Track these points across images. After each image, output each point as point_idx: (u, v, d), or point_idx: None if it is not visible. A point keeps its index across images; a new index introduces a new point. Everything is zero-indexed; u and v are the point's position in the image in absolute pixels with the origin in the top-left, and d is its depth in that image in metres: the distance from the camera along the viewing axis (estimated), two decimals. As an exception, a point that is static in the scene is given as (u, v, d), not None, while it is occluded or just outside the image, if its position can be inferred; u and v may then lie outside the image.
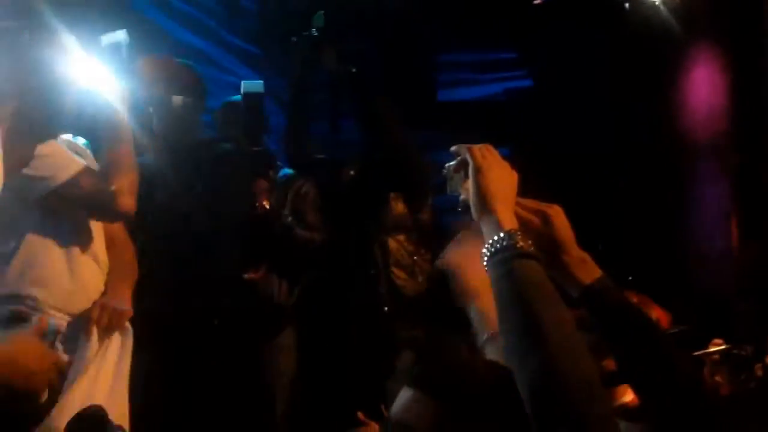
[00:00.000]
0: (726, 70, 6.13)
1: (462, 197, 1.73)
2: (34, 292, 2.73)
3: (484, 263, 1.57)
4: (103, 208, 2.83)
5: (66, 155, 2.80)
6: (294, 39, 4.26)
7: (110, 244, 3.00)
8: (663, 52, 6.33)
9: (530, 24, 6.69)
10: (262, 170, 4.36)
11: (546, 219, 1.72)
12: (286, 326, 4.30)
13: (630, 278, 4.00)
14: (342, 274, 4.30)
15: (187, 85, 3.87)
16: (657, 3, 6.05)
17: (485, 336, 1.85)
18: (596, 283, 1.70)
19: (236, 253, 4.06)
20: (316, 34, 4.27)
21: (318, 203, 4.37)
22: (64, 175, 2.73)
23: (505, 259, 1.52)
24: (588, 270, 1.72)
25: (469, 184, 1.67)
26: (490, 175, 1.65)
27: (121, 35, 3.02)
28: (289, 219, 4.31)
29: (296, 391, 4.27)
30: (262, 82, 4.31)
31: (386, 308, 4.27)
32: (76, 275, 2.83)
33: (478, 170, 1.65)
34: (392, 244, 4.36)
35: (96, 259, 2.92)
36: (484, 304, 1.83)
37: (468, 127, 6.38)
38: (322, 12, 4.33)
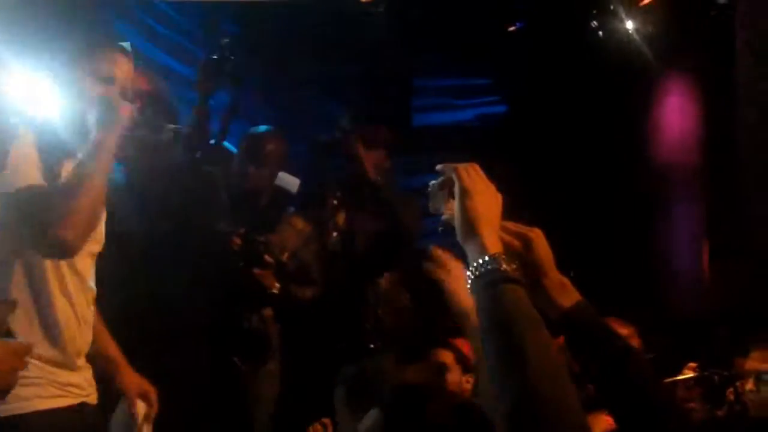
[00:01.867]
0: (698, 97, 6.21)
1: (444, 217, 1.73)
2: None
3: (468, 286, 1.57)
4: (37, 236, 2.46)
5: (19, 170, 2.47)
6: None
7: None
8: (636, 80, 6.40)
9: (505, 50, 6.74)
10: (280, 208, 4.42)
11: (527, 242, 1.73)
12: (272, 354, 4.30)
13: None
14: (330, 310, 4.34)
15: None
16: (631, 31, 6.12)
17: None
18: (575, 307, 1.71)
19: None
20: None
21: (319, 253, 4.39)
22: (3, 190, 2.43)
23: (489, 282, 1.52)
24: (567, 294, 1.73)
25: (454, 204, 1.66)
26: (477, 198, 1.63)
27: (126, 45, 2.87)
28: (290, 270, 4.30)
29: (277, 419, 4.27)
30: (299, 181, 4.38)
31: (372, 345, 4.31)
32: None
33: (465, 192, 1.64)
34: (383, 283, 4.42)
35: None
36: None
37: (443, 152, 6.42)
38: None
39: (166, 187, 4.01)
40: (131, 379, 3.00)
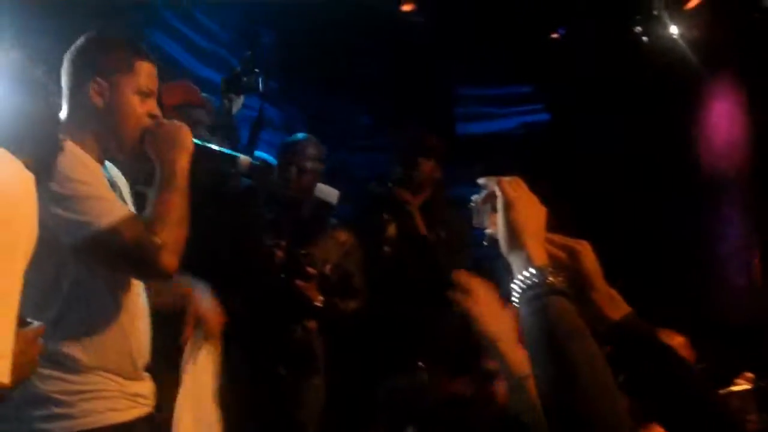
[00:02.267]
0: (745, 101, 6.10)
1: (489, 231, 1.72)
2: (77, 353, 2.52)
3: (514, 299, 1.55)
4: (143, 263, 2.49)
5: (108, 197, 2.51)
6: None
7: None
8: (682, 86, 6.31)
9: (547, 57, 6.68)
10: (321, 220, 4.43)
11: (574, 255, 1.72)
12: (316, 366, 4.28)
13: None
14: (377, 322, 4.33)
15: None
16: (676, 36, 6.03)
17: (514, 380, 1.82)
18: (624, 319, 1.69)
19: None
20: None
21: (363, 264, 4.38)
22: (104, 220, 2.42)
23: (536, 295, 1.51)
24: (616, 306, 1.71)
25: (498, 218, 1.64)
26: (521, 210, 1.62)
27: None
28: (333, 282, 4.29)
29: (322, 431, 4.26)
30: (338, 193, 4.42)
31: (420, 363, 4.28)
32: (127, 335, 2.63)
33: (508, 205, 1.62)
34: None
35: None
36: (503, 350, 1.81)
37: (486, 161, 6.38)
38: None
39: (207, 201, 4.00)
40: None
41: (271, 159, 4.82)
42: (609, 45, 6.32)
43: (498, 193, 1.65)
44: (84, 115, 2.63)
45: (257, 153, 4.55)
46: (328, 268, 4.24)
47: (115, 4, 5.04)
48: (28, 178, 1.52)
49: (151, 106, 2.68)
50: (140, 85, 2.65)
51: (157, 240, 2.45)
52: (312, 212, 4.40)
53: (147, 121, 2.66)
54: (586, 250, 1.73)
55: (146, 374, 2.78)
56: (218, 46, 6.43)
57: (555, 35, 6.48)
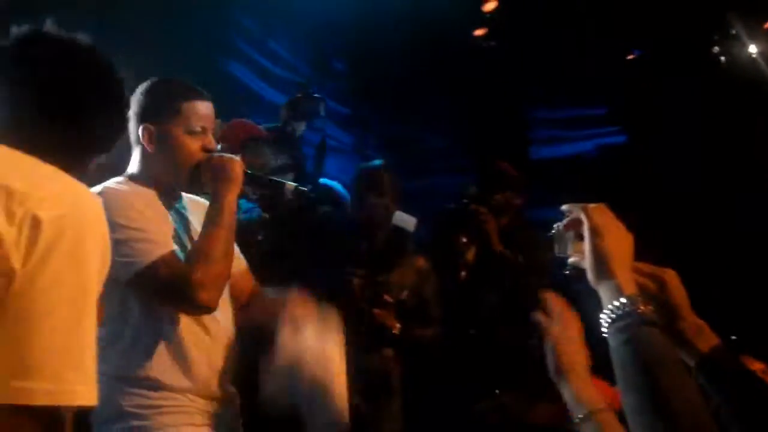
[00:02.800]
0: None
1: (572, 259, 1.67)
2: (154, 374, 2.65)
3: (604, 329, 1.50)
4: (179, 299, 2.60)
5: (151, 237, 2.61)
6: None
7: None
8: (761, 105, 6.17)
9: (622, 78, 6.60)
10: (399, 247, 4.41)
11: (661, 284, 1.67)
12: (393, 394, 4.25)
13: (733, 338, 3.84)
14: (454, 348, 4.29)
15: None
16: (755, 55, 5.91)
17: (580, 415, 1.76)
18: (713, 351, 1.64)
19: None
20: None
21: (439, 292, 4.35)
22: (145, 259, 2.55)
23: (627, 325, 1.46)
24: (704, 338, 1.66)
25: (582, 246, 1.60)
26: (609, 238, 1.57)
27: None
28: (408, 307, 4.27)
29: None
30: (416, 220, 4.33)
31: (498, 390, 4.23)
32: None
33: (596, 232, 1.58)
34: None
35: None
36: (575, 381, 1.76)
37: (561, 185, 6.30)
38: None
39: (286, 227, 4.03)
40: None
41: (336, 185, 4.84)
42: (686, 65, 6.23)
43: (584, 220, 1.61)
44: (141, 157, 2.78)
45: (323, 180, 4.56)
46: (405, 294, 4.22)
47: (189, 35, 5.11)
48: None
49: (206, 141, 2.76)
50: (190, 125, 2.74)
51: (195, 276, 2.53)
52: (389, 239, 4.38)
53: (201, 157, 2.74)
54: (672, 279, 1.68)
55: (230, 398, 2.86)
56: (292, 73, 6.49)
57: (631, 56, 6.40)
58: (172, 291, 2.58)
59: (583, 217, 1.61)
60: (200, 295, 2.54)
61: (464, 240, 4.48)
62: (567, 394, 1.75)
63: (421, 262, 4.32)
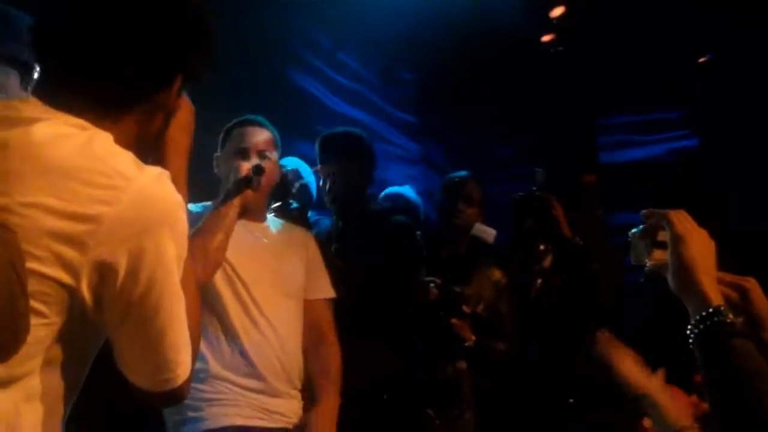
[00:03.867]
0: None
1: (648, 266, 1.64)
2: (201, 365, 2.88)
3: (691, 340, 1.47)
4: None
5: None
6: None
7: None
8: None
9: (694, 81, 6.49)
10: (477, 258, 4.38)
11: (744, 293, 1.64)
12: (465, 406, 4.22)
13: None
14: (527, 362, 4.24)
15: (363, 153, 3.99)
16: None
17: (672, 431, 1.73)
18: None
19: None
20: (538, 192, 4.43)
21: (516, 308, 4.31)
22: None
23: (717, 336, 1.43)
24: None
25: (659, 254, 1.58)
26: (693, 245, 1.54)
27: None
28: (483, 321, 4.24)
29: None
30: (495, 232, 4.37)
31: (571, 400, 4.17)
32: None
33: (680, 240, 1.55)
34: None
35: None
36: (660, 399, 1.73)
37: (632, 190, 6.21)
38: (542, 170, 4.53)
39: (364, 236, 4.04)
40: None
41: (407, 191, 4.84)
42: (758, 65, 6.09)
43: (666, 227, 1.58)
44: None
45: (393, 188, 4.62)
46: (480, 308, 4.19)
47: (258, 47, 5.16)
48: None
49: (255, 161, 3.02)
50: (236, 147, 3.08)
51: None
52: (468, 250, 4.36)
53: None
54: (754, 288, 1.65)
55: (291, 394, 3.07)
56: (360, 84, 6.51)
57: (703, 59, 6.28)
58: None
59: (665, 223, 1.58)
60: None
61: (542, 248, 4.42)
62: (654, 412, 1.73)
63: (497, 274, 4.29)
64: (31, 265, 1.21)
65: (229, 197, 2.86)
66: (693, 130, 7.09)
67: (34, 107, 1.32)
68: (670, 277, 1.55)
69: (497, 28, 5.78)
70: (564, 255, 4.33)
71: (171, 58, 1.45)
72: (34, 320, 1.23)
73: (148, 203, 1.30)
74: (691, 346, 1.48)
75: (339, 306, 3.43)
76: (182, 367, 1.42)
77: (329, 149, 4.00)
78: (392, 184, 5.11)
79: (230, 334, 2.94)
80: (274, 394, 2.99)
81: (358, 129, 4.31)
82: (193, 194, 1.70)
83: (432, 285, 4.09)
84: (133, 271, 1.29)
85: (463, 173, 4.52)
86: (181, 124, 1.61)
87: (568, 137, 6.52)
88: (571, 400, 4.13)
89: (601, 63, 6.30)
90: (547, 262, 4.41)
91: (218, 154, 3.16)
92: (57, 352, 1.32)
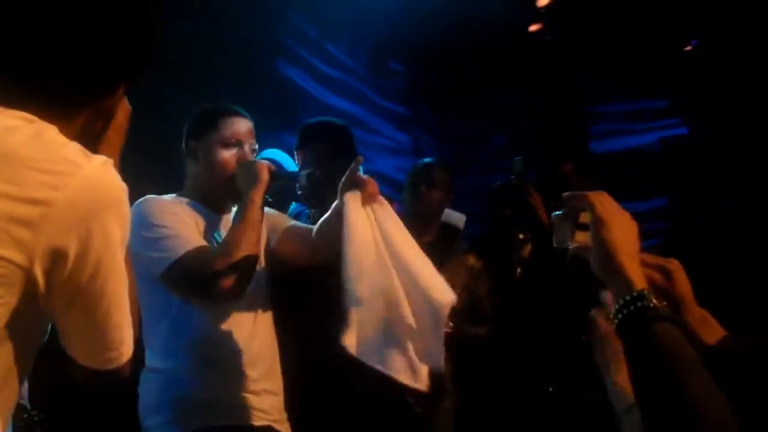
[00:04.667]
0: None
1: (570, 248, 1.63)
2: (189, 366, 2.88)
3: (615, 324, 1.45)
4: (204, 287, 2.76)
5: (184, 235, 2.80)
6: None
7: None
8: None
9: (682, 69, 6.49)
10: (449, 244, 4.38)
11: (667, 274, 1.63)
12: (445, 395, 4.22)
13: None
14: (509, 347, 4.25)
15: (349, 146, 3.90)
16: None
17: (621, 408, 1.72)
18: (721, 344, 1.61)
19: None
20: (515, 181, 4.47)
21: (491, 288, 4.32)
22: (175, 254, 2.74)
23: (640, 321, 1.40)
24: (710, 329, 1.63)
25: (580, 235, 1.56)
26: (615, 228, 1.51)
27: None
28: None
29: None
30: (465, 217, 4.39)
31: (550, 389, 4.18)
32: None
33: (601, 223, 1.51)
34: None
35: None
36: (617, 376, 1.72)
37: (621, 179, 6.21)
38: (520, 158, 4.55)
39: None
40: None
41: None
42: (749, 54, 6.09)
43: (588, 209, 1.55)
44: (188, 174, 3.07)
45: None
46: (456, 293, 4.20)
47: (244, 38, 5.14)
48: None
49: (241, 154, 2.98)
50: (223, 137, 2.98)
51: (217, 265, 2.71)
52: (439, 237, 4.36)
53: (234, 166, 2.97)
54: (678, 270, 1.64)
55: (272, 391, 3.02)
56: (348, 75, 6.49)
57: (688, 47, 6.28)
58: (198, 281, 2.74)
59: (586, 206, 1.55)
60: (222, 282, 2.70)
61: (521, 236, 4.43)
62: (609, 386, 1.72)
63: (472, 260, 4.30)
64: None
65: (258, 202, 2.84)
66: (683, 118, 7.10)
67: None
68: (592, 260, 1.52)
69: (486, 17, 5.78)
70: (542, 243, 4.33)
71: (120, 67, 1.53)
72: None
73: (96, 188, 1.36)
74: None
75: (311, 292, 3.41)
76: (126, 345, 1.50)
77: (306, 136, 3.93)
78: (383, 176, 5.09)
79: (218, 328, 2.90)
80: (260, 391, 2.96)
81: (342, 120, 4.28)
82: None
83: None
84: (82, 255, 1.35)
85: (428, 159, 4.55)
86: (118, 125, 1.70)
87: (557, 126, 6.52)
88: (551, 389, 4.15)
89: (589, 52, 6.30)
90: (526, 251, 4.42)
91: (193, 142, 3.04)
92: (8, 334, 1.36)
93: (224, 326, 2.91)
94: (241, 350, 2.92)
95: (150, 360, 2.89)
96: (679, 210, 6.14)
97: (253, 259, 2.79)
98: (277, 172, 2.99)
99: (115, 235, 1.38)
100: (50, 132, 1.38)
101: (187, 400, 2.84)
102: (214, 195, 3.00)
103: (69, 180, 1.32)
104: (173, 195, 3.00)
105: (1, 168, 1.30)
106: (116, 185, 1.40)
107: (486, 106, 6.86)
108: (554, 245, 1.68)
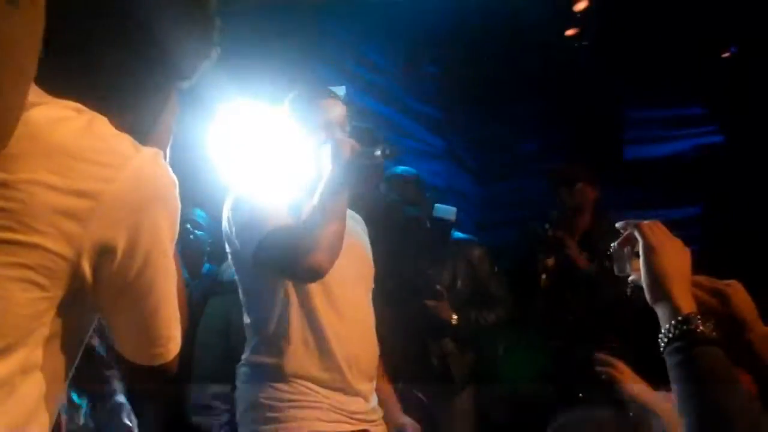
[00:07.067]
0: None
1: (631, 278, 1.66)
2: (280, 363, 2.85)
3: (662, 349, 1.48)
4: (293, 263, 2.72)
5: (274, 215, 2.79)
6: None
7: None
8: None
9: (721, 77, 6.43)
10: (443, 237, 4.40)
11: (724, 299, 1.64)
12: (456, 388, 4.24)
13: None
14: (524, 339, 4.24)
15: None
16: None
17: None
18: None
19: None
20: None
21: (495, 270, 4.33)
22: (264, 230, 2.74)
23: (684, 346, 1.44)
24: None
25: (641, 265, 1.58)
26: (664, 255, 1.55)
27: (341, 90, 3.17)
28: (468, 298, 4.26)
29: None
30: (455, 209, 4.39)
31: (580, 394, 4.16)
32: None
33: (651, 250, 1.56)
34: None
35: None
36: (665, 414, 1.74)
37: (656, 186, 6.17)
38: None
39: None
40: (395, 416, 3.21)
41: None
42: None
43: (638, 237, 1.59)
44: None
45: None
46: (459, 283, 4.23)
47: (282, 43, 5.16)
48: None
49: (337, 132, 2.94)
50: (324, 119, 2.95)
51: (306, 239, 2.68)
52: (431, 231, 4.38)
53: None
54: (737, 292, 1.65)
55: (369, 392, 2.99)
56: (383, 78, 6.49)
57: (727, 54, 6.22)
58: (287, 256, 2.72)
59: (637, 234, 1.60)
60: (311, 257, 2.67)
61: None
62: (655, 424, 1.76)
63: (470, 249, 4.29)
64: (34, 239, 1.24)
65: (343, 178, 2.80)
66: (718, 126, 7.04)
67: (32, 93, 1.32)
68: (644, 288, 1.56)
69: (521, 21, 5.76)
70: (578, 285, 4.37)
71: (191, 57, 1.52)
72: (35, 293, 1.27)
73: (145, 181, 1.33)
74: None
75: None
76: (173, 341, 1.49)
77: None
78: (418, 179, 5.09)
79: (315, 328, 2.87)
80: (355, 393, 2.92)
81: (374, 122, 4.33)
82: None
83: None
84: (131, 249, 1.32)
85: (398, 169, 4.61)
86: (166, 123, 1.63)
87: (592, 132, 6.50)
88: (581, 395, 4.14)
89: (625, 58, 6.26)
90: (551, 261, 4.44)
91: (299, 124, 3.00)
92: (56, 328, 1.34)
93: (317, 319, 2.88)
94: (340, 352, 2.89)
95: (250, 355, 2.92)
96: (715, 218, 6.08)
97: (341, 236, 2.75)
98: (359, 150, 2.94)
99: (164, 229, 1.36)
100: (101, 123, 1.34)
101: (281, 400, 2.83)
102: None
103: (119, 172, 1.29)
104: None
105: (47, 159, 1.26)
106: (166, 178, 1.37)
107: (519, 110, 6.84)
108: (615, 274, 1.72)
